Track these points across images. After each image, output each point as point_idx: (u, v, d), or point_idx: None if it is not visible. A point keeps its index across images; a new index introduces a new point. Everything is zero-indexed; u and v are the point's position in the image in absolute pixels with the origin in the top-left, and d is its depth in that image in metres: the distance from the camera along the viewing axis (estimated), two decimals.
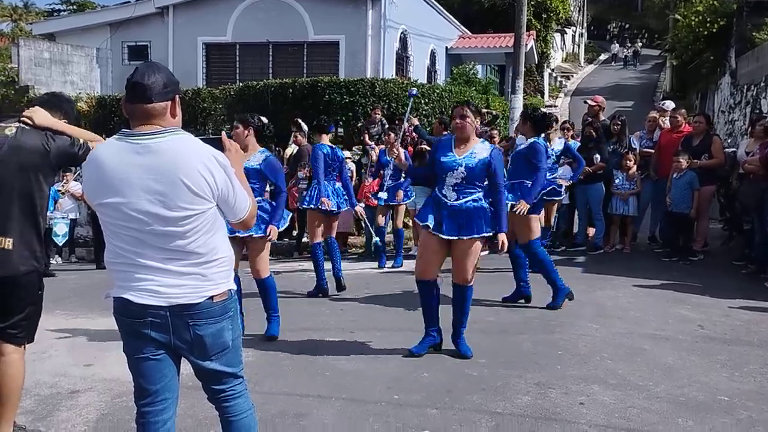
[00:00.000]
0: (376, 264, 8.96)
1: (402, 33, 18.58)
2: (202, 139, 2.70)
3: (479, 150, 4.91)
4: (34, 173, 3.50)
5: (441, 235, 4.85)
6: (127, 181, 2.49)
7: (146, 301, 2.54)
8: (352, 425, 3.83)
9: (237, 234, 4.83)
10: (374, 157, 10.07)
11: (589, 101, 9.53)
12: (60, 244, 11.57)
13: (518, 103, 15.92)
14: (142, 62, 2.86)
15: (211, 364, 2.67)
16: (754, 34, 15.05)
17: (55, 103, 3.76)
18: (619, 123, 9.25)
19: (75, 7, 34.73)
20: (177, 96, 2.63)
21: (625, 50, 41.82)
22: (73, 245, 11.98)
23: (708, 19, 18.14)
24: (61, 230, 11.30)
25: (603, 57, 44.52)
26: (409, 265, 8.97)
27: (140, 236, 2.52)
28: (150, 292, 2.53)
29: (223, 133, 2.97)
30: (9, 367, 3.56)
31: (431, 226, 4.89)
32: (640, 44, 41.46)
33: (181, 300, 2.55)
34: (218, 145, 2.74)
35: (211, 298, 2.60)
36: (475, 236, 4.83)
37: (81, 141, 3.62)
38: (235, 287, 2.75)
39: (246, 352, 5.12)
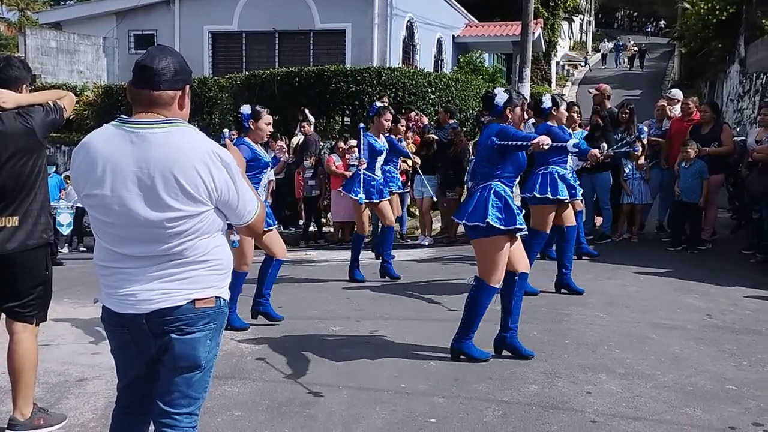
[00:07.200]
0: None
1: (408, 21, 18.48)
2: None
3: None
4: (28, 154, 3.53)
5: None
6: (115, 172, 2.26)
7: (126, 310, 2.34)
8: (359, 413, 3.83)
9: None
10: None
11: (591, 90, 9.47)
12: (64, 234, 11.57)
13: (525, 91, 15.84)
14: (154, 45, 2.73)
15: (173, 376, 2.39)
16: (763, 21, 14.94)
17: (12, 76, 3.58)
18: (628, 111, 9.18)
19: None
20: (187, 86, 2.40)
21: (613, 48, 39.42)
22: (81, 234, 11.98)
23: (717, 7, 17.99)
24: (65, 220, 11.28)
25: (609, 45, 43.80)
26: (418, 254, 8.96)
27: (124, 234, 2.30)
28: (130, 300, 2.32)
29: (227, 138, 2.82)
30: (19, 346, 3.59)
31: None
32: (633, 44, 37.68)
33: (160, 305, 2.30)
34: None
35: (193, 302, 2.33)
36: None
37: (51, 104, 3.63)
38: (227, 297, 2.45)
39: (253, 341, 5.16)
